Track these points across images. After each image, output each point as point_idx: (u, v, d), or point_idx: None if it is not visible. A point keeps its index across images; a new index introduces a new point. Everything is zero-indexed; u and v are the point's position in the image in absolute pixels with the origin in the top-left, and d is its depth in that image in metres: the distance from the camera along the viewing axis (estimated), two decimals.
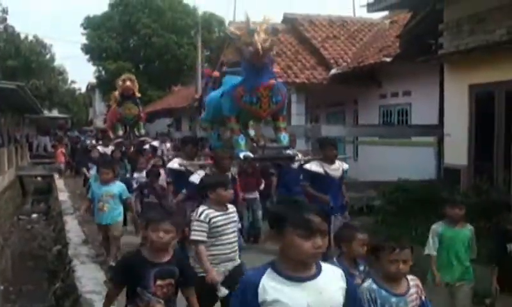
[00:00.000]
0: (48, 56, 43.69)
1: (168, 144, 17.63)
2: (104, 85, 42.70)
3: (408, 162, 14.15)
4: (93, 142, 22.32)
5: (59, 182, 21.80)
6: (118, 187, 8.55)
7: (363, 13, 31.32)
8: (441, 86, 12.64)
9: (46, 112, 42.43)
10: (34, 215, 20.65)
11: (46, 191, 25.72)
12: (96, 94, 53.99)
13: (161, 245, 3.99)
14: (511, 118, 10.33)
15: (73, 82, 50.73)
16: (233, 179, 7.90)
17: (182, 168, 8.51)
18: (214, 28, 43.96)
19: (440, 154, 13.70)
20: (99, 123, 51.03)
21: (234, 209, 5.43)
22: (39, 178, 29.03)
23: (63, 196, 17.63)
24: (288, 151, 8.84)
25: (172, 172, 8.89)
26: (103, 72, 42.83)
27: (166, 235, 3.97)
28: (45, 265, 12.73)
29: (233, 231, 5.27)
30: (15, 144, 27.47)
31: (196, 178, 7.56)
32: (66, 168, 24.91)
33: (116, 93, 19.06)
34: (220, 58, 23.35)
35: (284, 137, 8.65)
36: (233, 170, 8.53)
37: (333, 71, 18.30)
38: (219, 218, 5.13)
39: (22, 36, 42.45)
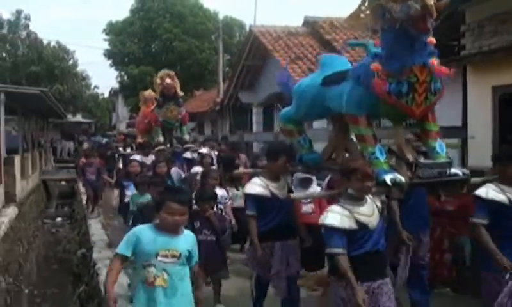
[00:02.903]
0: (71, 62, 44.09)
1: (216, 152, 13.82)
2: (127, 90, 43.05)
3: None
4: (120, 148, 19.96)
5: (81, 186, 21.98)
6: (187, 240, 4.49)
7: None
8: (464, 88, 12.55)
9: (70, 117, 42.88)
10: (59, 219, 20.89)
11: (70, 195, 26.04)
12: (119, 99, 54.44)
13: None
14: None
15: (96, 87, 51.13)
16: None
17: (267, 194, 5.94)
18: (234, 32, 44.05)
19: (463, 156, 13.59)
20: (122, 127, 51.44)
21: None
22: (63, 182, 29.41)
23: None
24: (455, 170, 5.38)
25: (253, 200, 6.01)
26: (125, 77, 43.12)
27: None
28: (70, 269, 12.88)
29: None
30: (39, 148, 27.79)
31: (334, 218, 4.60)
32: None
33: (146, 93, 17.33)
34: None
35: (441, 147, 5.39)
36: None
37: None
38: None
39: (45, 42, 42.95)
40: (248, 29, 27.02)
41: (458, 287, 7.44)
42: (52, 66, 40.85)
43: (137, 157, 13.14)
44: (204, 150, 13.53)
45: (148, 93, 17.13)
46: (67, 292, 11.27)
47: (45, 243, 17.19)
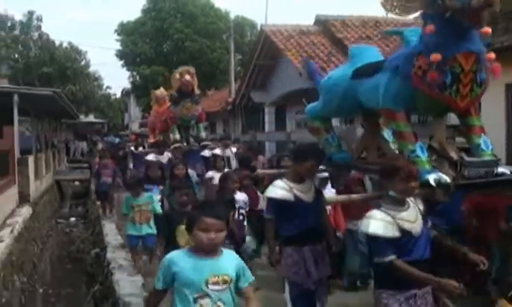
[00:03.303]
0: (83, 63, 44.31)
1: (234, 149, 13.29)
2: (139, 90, 43.21)
3: None
4: (132, 148, 18.95)
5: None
6: (231, 260, 3.77)
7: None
8: None
9: (82, 117, 43.08)
10: (72, 219, 20.99)
11: (83, 195, 26.18)
12: (131, 99, 54.64)
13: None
14: None
15: (108, 87, 51.38)
16: None
17: (291, 197, 5.47)
18: (246, 32, 44.10)
19: None
20: (135, 127, 51.62)
21: None
22: (76, 182, 29.56)
23: None
24: (503, 170, 4.83)
25: (273, 204, 5.57)
26: (137, 77, 43.27)
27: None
28: (84, 268, 12.94)
29: None
30: (52, 149, 27.94)
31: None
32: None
33: (158, 92, 16.98)
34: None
35: (486, 144, 4.99)
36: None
37: None
38: None
39: (57, 43, 43.17)
40: (259, 28, 27.06)
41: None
42: (64, 67, 41.07)
43: (151, 155, 13.01)
44: (217, 151, 12.78)
45: (160, 91, 16.93)
46: (81, 292, 11.32)
47: (58, 243, 17.28)
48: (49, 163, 24.66)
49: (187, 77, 14.19)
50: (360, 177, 6.88)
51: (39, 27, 42.85)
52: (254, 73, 24.19)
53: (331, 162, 6.14)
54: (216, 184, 8.34)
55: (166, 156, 12.75)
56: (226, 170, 10.39)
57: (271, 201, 5.55)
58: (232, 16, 43.45)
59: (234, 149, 13.01)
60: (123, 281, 8.19)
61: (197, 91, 14.86)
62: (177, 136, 14.49)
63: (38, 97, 18.45)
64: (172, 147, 13.10)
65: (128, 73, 45.02)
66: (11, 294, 9.92)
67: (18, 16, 43.21)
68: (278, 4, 68.47)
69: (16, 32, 42.63)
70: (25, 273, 12.17)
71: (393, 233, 4.10)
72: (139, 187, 8.80)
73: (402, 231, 4.13)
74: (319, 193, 5.77)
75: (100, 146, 31.81)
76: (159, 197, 9.12)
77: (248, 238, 7.32)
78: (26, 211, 15.10)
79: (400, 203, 4.24)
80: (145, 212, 8.63)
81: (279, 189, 5.49)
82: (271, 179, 6.29)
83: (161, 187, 9.68)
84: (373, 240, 4.17)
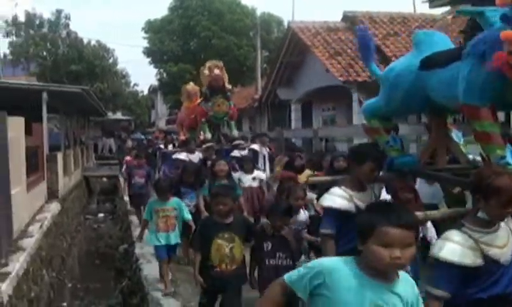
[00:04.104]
0: (111, 60, 44.61)
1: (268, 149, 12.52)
2: (166, 87, 43.43)
3: None
4: (161, 145, 17.80)
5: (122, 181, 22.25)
6: (406, 288, 2.70)
7: (424, 9, 30.90)
8: None
9: (110, 115, 43.41)
10: (101, 215, 21.19)
11: (111, 191, 26.42)
12: (158, 96, 54.91)
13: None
14: None
15: (136, 84, 51.70)
16: None
17: (351, 208, 4.61)
18: (272, 29, 44.02)
19: None
20: (161, 124, 51.89)
21: None
22: (104, 179, 29.82)
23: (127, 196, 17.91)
24: None
25: (333, 215, 4.67)
26: (164, 75, 43.48)
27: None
28: (112, 264, 13.03)
29: None
30: (80, 145, 28.22)
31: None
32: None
33: (189, 87, 15.71)
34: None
35: None
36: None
37: None
38: None
39: (85, 41, 43.55)
40: (285, 25, 27.02)
41: None
42: (92, 65, 41.37)
43: (182, 155, 12.25)
44: (255, 147, 12.16)
45: (192, 86, 15.85)
46: (109, 286, 11.40)
47: (86, 238, 17.44)
48: (77, 159, 24.90)
49: (217, 71, 13.33)
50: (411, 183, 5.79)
51: (67, 26, 43.18)
52: (280, 70, 24.16)
53: (393, 167, 5.18)
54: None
55: (197, 155, 11.92)
56: (264, 173, 10.06)
57: (330, 212, 4.65)
58: (258, 13, 43.49)
59: (268, 149, 12.42)
60: (151, 277, 8.23)
61: (228, 86, 13.88)
62: (208, 135, 13.48)
63: (66, 94, 18.64)
64: (203, 147, 12.10)
65: (155, 71, 45.30)
66: (40, 288, 10.00)
67: (47, 15, 43.59)
68: (305, 0, 68.26)
69: (45, 30, 43.03)
70: (54, 268, 12.28)
71: (473, 260, 3.24)
72: (170, 191, 7.86)
73: (487, 258, 3.27)
74: None
75: (129, 143, 31.99)
76: (193, 202, 8.55)
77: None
78: (55, 207, 15.23)
79: (488, 225, 3.38)
80: (171, 218, 7.58)
81: (338, 198, 4.62)
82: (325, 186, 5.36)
83: (198, 191, 8.85)
84: (442, 267, 3.29)
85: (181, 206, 7.74)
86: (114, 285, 11.44)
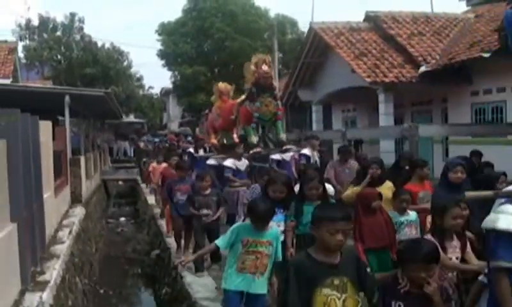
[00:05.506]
0: (125, 63, 44.55)
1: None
2: (180, 89, 43.31)
3: (504, 161, 13.54)
4: (190, 149, 15.71)
5: (143, 186, 22.13)
6: None
7: (443, 8, 30.55)
8: None
9: (124, 118, 43.37)
10: (122, 219, 21.02)
11: (128, 195, 26.30)
12: (169, 98, 54.83)
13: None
14: None
15: (151, 87, 51.76)
16: None
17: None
18: (286, 30, 43.84)
19: None
20: (174, 126, 51.81)
21: None
22: (120, 182, 29.73)
23: (152, 199, 17.73)
24: None
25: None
26: (178, 77, 43.37)
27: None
28: (142, 269, 12.80)
29: None
30: (98, 149, 28.13)
31: None
32: None
33: (222, 85, 14.41)
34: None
35: None
36: None
37: (423, 68, 17.81)
38: None
39: (99, 44, 43.50)
40: (299, 26, 26.78)
41: None
42: (107, 68, 41.34)
43: (229, 161, 10.82)
44: (306, 151, 10.75)
45: (225, 85, 14.54)
46: (143, 293, 11.19)
47: (111, 243, 17.23)
48: (96, 163, 24.79)
49: (265, 67, 11.84)
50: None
51: (81, 29, 43.18)
52: (302, 71, 23.91)
53: None
54: None
55: (244, 163, 10.85)
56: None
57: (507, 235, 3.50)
58: (272, 14, 43.33)
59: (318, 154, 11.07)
60: (195, 285, 7.98)
61: (275, 84, 12.67)
62: (254, 139, 12.04)
63: (89, 98, 18.46)
64: (251, 152, 11.13)
65: (169, 73, 45.23)
66: (75, 296, 9.78)
67: (61, 18, 43.57)
68: (325, 1, 67.85)
69: (59, 33, 43.00)
70: (84, 274, 12.09)
71: None
72: (269, 218, 5.43)
73: None
74: None
75: (141, 144, 31.95)
76: (281, 226, 6.21)
77: None
78: (80, 211, 15.06)
79: None
80: (264, 257, 5.33)
81: None
82: None
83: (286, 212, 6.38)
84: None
85: (278, 241, 5.49)
86: (145, 290, 11.24)
